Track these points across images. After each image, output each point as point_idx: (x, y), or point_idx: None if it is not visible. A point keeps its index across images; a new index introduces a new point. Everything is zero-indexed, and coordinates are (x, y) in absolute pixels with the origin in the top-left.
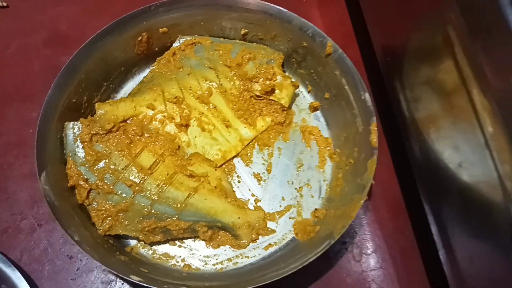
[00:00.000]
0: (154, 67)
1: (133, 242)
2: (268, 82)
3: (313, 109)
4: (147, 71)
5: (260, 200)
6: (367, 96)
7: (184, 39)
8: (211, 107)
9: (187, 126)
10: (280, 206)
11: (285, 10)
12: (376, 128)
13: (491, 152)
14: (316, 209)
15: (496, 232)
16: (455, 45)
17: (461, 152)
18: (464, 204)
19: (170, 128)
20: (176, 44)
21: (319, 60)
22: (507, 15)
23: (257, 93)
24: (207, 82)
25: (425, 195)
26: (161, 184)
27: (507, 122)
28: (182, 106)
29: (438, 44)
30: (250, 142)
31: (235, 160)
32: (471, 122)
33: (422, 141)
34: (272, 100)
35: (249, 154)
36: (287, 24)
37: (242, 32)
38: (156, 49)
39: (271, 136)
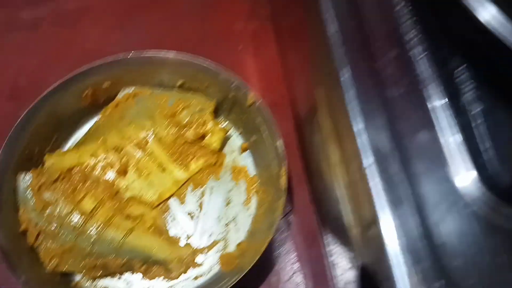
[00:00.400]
0: (99, 118)
1: (77, 278)
2: (199, 129)
3: (243, 150)
4: (93, 122)
5: (191, 236)
6: (279, 144)
7: (126, 91)
8: (148, 153)
9: (125, 172)
10: (209, 241)
11: (213, 65)
12: (285, 173)
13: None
14: (240, 242)
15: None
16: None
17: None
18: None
19: (110, 174)
20: (119, 96)
21: (243, 108)
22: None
23: (190, 140)
24: (145, 130)
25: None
26: (100, 226)
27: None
28: (121, 154)
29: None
30: (184, 183)
31: (170, 200)
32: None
33: (319, 183)
34: (204, 144)
35: (183, 194)
36: (215, 77)
37: (179, 83)
38: (102, 100)
39: (203, 177)
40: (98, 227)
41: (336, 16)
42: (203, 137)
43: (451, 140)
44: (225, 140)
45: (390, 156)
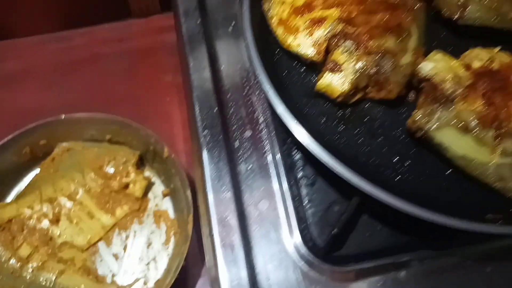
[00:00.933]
0: (38, 171)
1: None
2: (123, 179)
3: (164, 195)
4: (33, 174)
5: (116, 275)
6: (188, 193)
7: (61, 146)
8: (78, 203)
9: (58, 220)
10: (131, 279)
11: (134, 122)
12: (191, 220)
13: None
14: (158, 279)
15: None
16: None
17: None
18: None
19: (45, 223)
20: (55, 150)
21: (162, 159)
22: None
23: (115, 189)
24: (76, 182)
25: None
26: (35, 269)
27: None
28: (54, 204)
29: None
30: (111, 228)
31: (99, 243)
32: None
33: None
34: (128, 193)
35: (110, 237)
36: (137, 132)
37: (107, 137)
38: (41, 155)
39: (128, 222)
40: (33, 271)
41: (199, 103)
42: (127, 186)
43: (285, 208)
44: (149, 187)
45: (234, 224)
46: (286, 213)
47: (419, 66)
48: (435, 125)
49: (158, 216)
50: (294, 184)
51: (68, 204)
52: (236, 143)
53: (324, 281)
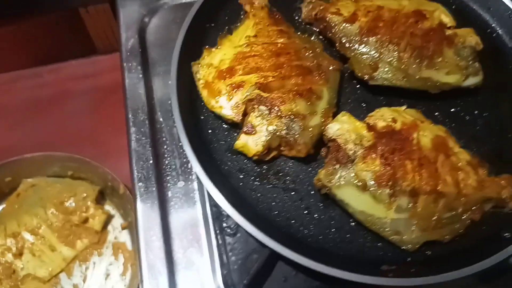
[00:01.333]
0: (4, 207)
1: None
2: (83, 214)
3: (123, 228)
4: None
5: None
6: None
7: (26, 182)
8: (41, 236)
9: (21, 254)
10: None
11: (92, 162)
12: None
13: None
14: None
15: None
16: None
17: None
18: None
19: (9, 257)
20: (20, 186)
21: (119, 195)
22: None
23: (76, 223)
24: (38, 217)
25: None
26: None
27: None
28: (18, 239)
29: None
30: (71, 260)
31: (60, 274)
32: None
33: None
34: (88, 226)
35: (70, 269)
36: (95, 170)
37: (69, 173)
38: (7, 191)
39: (88, 254)
40: None
41: (136, 156)
42: (87, 220)
43: (210, 255)
44: (109, 220)
45: (162, 271)
46: (211, 260)
47: (327, 127)
48: (336, 184)
49: (117, 248)
50: (219, 233)
51: (31, 238)
52: (169, 193)
53: None
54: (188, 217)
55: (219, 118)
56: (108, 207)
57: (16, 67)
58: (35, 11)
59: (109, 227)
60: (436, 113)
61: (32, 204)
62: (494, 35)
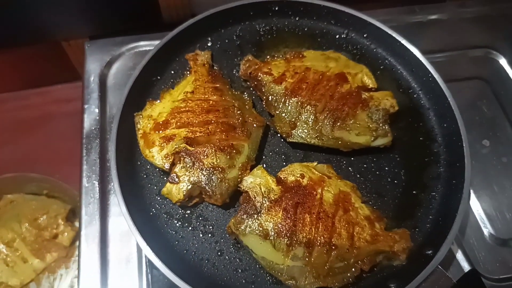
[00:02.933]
0: None
1: None
2: (54, 230)
3: None
4: None
5: None
6: None
7: (6, 198)
8: (14, 249)
9: None
10: None
11: (63, 184)
12: None
13: None
14: None
15: None
16: None
17: None
18: None
19: None
20: (0, 202)
21: None
22: None
23: (47, 238)
24: (14, 231)
25: None
26: None
27: None
28: None
29: None
30: (41, 271)
31: (30, 284)
32: None
33: None
34: (58, 241)
35: (40, 279)
36: (66, 191)
37: (45, 192)
38: None
39: (56, 266)
40: None
41: (85, 192)
42: (57, 236)
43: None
44: (78, 236)
45: None
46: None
47: (243, 180)
48: (243, 232)
49: None
50: (148, 266)
51: (6, 250)
52: (110, 229)
53: None
54: (125, 249)
55: (155, 166)
56: (78, 225)
57: (3, 90)
58: (22, 43)
59: (77, 243)
60: (350, 168)
61: (9, 219)
62: (415, 95)
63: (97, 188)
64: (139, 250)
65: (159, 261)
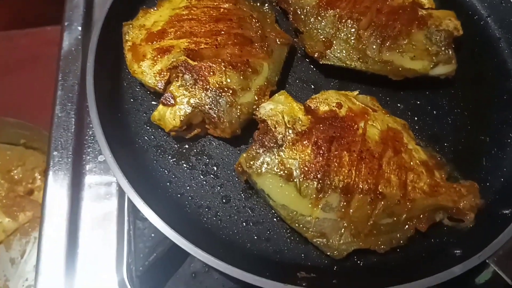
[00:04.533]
0: None
1: None
2: (29, 185)
3: None
4: None
5: (10, 280)
6: None
7: None
8: None
9: None
10: (23, 285)
11: (43, 131)
12: None
13: None
14: None
15: None
16: None
17: None
18: None
19: None
20: None
21: None
22: None
23: (20, 194)
24: None
25: None
26: None
27: None
28: None
29: None
30: (12, 233)
31: None
32: None
33: None
34: (33, 198)
35: (10, 241)
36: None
37: (22, 141)
38: None
39: (30, 228)
40: None
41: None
42: (32, 192)
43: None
44: None
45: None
46: (119, 246)
47: (260, 106)
48: (257, 170)
49: None
50: (132, 216)
51: None
52: (88, 166)
53: None
54: (103, 194)
55: (144, 87)
56: None
57: None
58: None
59: None
60: (399, 104)
61: None
62: (482, 22)
63: (73, 120)
64: (121, 196)
65: (145, 205)
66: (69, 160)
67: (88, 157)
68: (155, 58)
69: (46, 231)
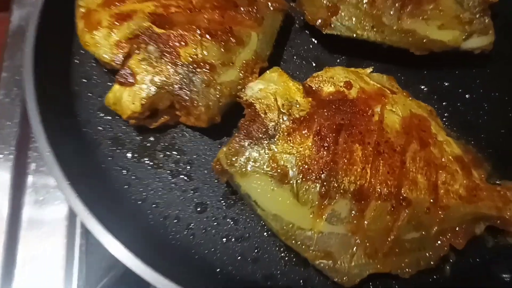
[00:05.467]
0: None
1: None
2: None
3: None
4: None
5: None
6: None
7: None
8: None
9: None
10: None
11: None
12: None
13: None
14: None
15: None
16: None
17: None
18: None
19: None
20: None
21: None
22: None
23: None
24: None
25: None
26: None
27: None
28: None
29: None
30: None
31: None
32: None
33: None
34: None
35: None
36: None
37: None
38: None
39: None
40: None
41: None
42: None
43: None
44: None
45: None
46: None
47: (246, 86)
48: (241, 169)
49: None
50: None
51: None
52: (33, 165)
53: None
54: (51, 199)
55: (98, 63)
56: None
57: None
58: None
59: None
60: (422, 86)
61: None
62: None
63: (18, 108)
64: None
65: (96, 221)
66: (11, 156)
67: (35, 154)
68: (113, 26)
69: None
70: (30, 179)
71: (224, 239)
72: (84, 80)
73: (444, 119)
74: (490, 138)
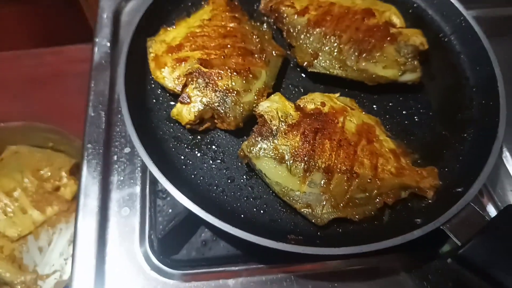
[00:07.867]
0: None
1: None
2: (56, 182)
3: None
4: None
5: (38, 265)
6: None
7: (10, 149)
8: (14, 199)
9: None
10: (50, 270)
11: (70, 135)
12: None
13: None
14: None
15: None
16: None
17: None
18: None
19: None
20: (5, 152)
21: None
22: None
23: (49, 190)
24: (15, 181)
25: None
26: None
27: None
28: None
29: None
30: (40, 224)
31: (28, 236)
32: None
33: None
34: (60, 194)
35: (39, 232)
36: (73, 143)
37: (50, 145)
38: None
39: (56, 220)
40: None
41: (90, 121)
42: (59, 188)
43: (141, 215)
44: None
45: (92, 230)
46: (142, 221)
47: (259, 104)
48: (256, 154)
49: None
50: (153, 196)
51: (5, 199)
52: (115, 157)
53: (162, 282)
54: (128, 179)
55: (164, 89)
56: None
57: (19, 47)
58: None
59: None
60: (374, 106)
61: (12, 169)
62: (445, 39)
63: (103, 119)
64: (143, 180)
65: (167, 181)
66: (100, 151)
67: (116, 149)
68: (174, 66)
69: (82, 209)
70: (114, 166)
71: (245, 198)
72: (154, 100)
73: (386, 127)
74: (417, 140)
